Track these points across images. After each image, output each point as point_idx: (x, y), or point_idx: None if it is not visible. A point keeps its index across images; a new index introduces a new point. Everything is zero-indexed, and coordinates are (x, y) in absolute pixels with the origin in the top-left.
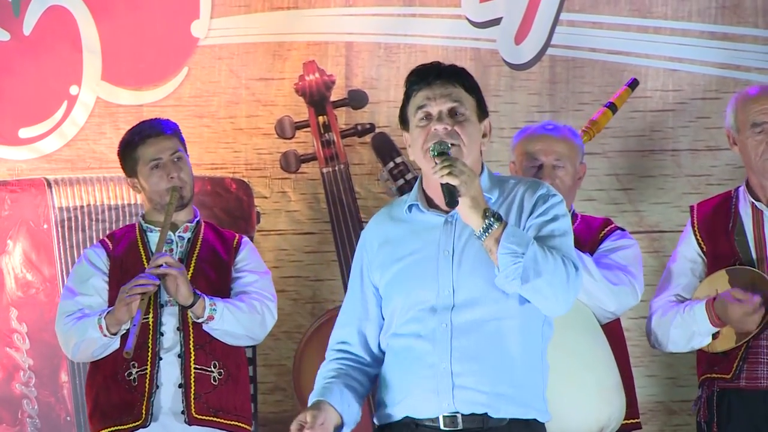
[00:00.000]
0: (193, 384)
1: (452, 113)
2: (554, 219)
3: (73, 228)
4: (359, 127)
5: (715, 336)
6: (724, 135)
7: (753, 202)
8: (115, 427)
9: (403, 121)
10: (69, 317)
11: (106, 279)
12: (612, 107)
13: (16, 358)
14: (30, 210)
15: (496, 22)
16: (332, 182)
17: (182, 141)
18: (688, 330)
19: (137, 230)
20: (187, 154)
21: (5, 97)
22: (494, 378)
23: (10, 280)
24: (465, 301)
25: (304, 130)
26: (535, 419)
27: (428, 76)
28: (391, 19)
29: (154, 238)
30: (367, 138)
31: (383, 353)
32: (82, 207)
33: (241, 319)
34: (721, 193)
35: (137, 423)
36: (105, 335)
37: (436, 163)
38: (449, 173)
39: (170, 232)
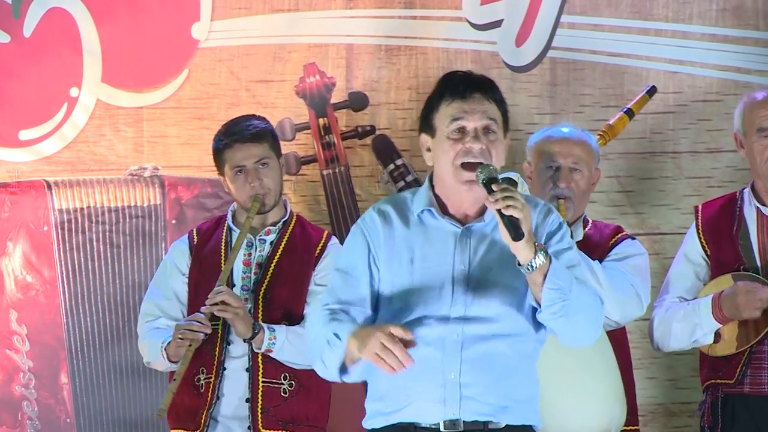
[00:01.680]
0: (260, 398)
1: (485, 131)
2: (570, 247)
3: (73, 230)
4: (360, 129)
5: (716, 339)
6: (725, 137)
7: (758, 207)
8: (181, 430)
9: (428, 125)
10: (148, 323)
11: (186, 280)
12: (629, 113)
13: (15, 359)
14: (30, 212)
15: (496, 24)
16: (332, 184)
17: (274, 144)
18: (691, 323)
19: (224, 228)
20: (280, 155)
21: (5, 99)
22: (500, 391)
23: (10, 282)
24: (477, 317)
25: (305, 132)
26: (531, 426)
27: (466, 87)
28: (392, 21)
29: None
30: (368, 140)
31: None
32: (82, 209)
33: (302, 350)
34: (726, 195)
35: (196, 431)
36: (166, 362)
37: (492, 190)
38: (512, 206)
39: (251, 236)
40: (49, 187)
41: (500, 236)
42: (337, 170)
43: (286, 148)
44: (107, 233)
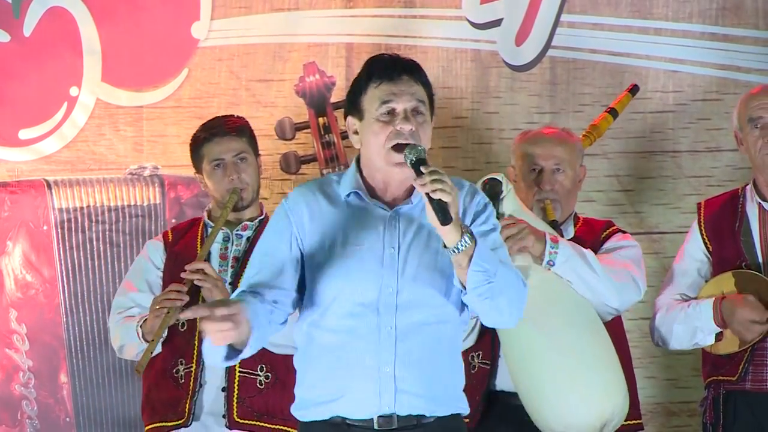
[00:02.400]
0: (236, 387)
1: (415, 113)
2: (494, 229)
3: (73, 229)
4: None
5: (718, 338)
6: (725, 136)
7: (760, 203)
8: (161, 423)
9: (355, 108)
10: (120, 314)
11: (161, 274)
12: (613, 112)
13: (15, 359)
14: (30, 211)
15: (496, 23)
16: None
17: (252, 140)
18: (691, 325)
19: (200, 225)
20: (258, 154)
21: (5, 98)
22: (431, 382)
23: (9, 281)
24: (408, 302)
25: (305, 131)
26: (459, 413)
27: (394, 69)
28: (392, 20)
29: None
30: None
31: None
32: (81, 208)
33: (286, 331)
34: (729, 192)
35: (180, 421)
36: (142, 342)
37: (421, 173)
38: (441, 190)
39: (227, 231)
40: (49, 186)
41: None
42: (336, 169)
43: (285, 147)
44: (107, 232)
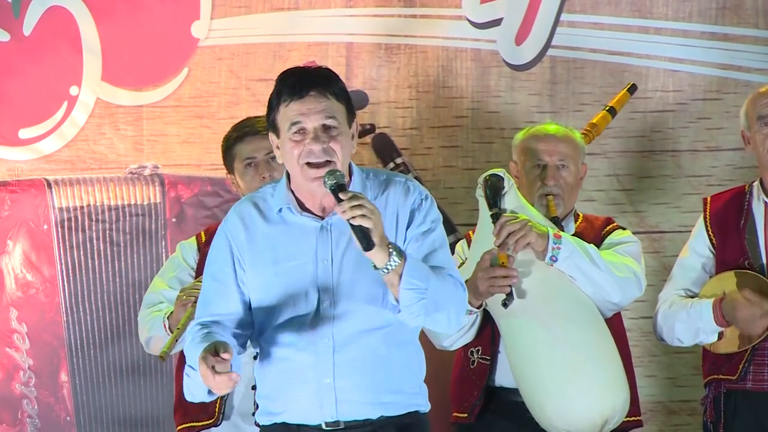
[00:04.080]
0: None
1: (326, 128)
2: (432, 229)
3: (73, 228)
4: (359, 128)
5: (719, 337)
6: (725, 136)
7: (766, 201)
8: (192, 424)
9: (273, 126)
10: (149, 309)
11: (193, 274)
12: (611, 111)
13: (15, 358)
14: (30, 210)
15: (496, 22)
16: None
17: None
18: (693, 326)
19: None
20: None
21: (5, 97)
22: (377, 389)
23: (10, 281)
24: (345, 313)
25: None
26: (416, 411)
27: (301, 86)
28: (392, 19)
29: None
30: (368, 138)
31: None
32: (82, 207)
33: None
34: (735, 188)
35: (210, 421)
36: (168, 334)
37: (341, 199)
38: (362, 215)
39: None
40: (49, 185)
41: None
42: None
43: None
44: (107, 231)
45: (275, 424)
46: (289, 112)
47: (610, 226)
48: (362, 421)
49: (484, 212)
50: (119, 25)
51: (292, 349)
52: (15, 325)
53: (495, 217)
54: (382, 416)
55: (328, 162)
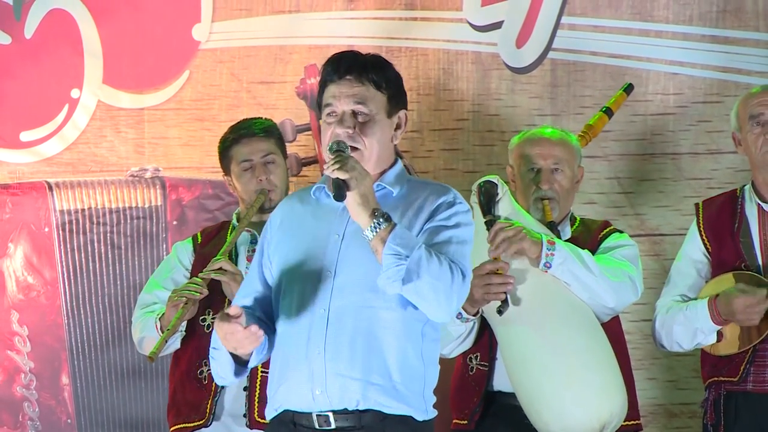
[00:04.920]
0: (258, 387)
1: (356, 114)
2: (456, 226)
3: (74, 231)
4: None
5: (719, 338)
6: (725, 139)
7: (759, 203)
8: (184, 425)
9: (319, 108)
10: (143, 309)
11: (188, 274)
12: (608, 112)
13: (17, 360)
14: (31, 213)
15: (497, 25)
16: None
17: (280, 142)
18: (691, 327)
19: (229, 228)
20: (286, 156)
21: (6, 100)
22: (366, 366)
23: (11, 283)
24: (343, 285)
25: (306, 133)
26: (411, 416)
27: (339, 69)
28: (393, 22)
29: (242, 237)
30: None
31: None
32: (83, 210)
33: None
34: (727, 192)
35: (201, 422)
36: (160, 333)
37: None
38: (339, 168)
39: (255, 233)
40: (50, 188)
41: None
42: None
43: (287, 149)
44: (108, 234)
45: (274, 420)
46: (327, 93)
47: (607, 229)
48: (352, 413)
49: (479, 219)
50: (120, 28)
51: (291, 324)
52: (16, 327)
53: (489, 224)
54: (369, 406)
55: (354, 149)
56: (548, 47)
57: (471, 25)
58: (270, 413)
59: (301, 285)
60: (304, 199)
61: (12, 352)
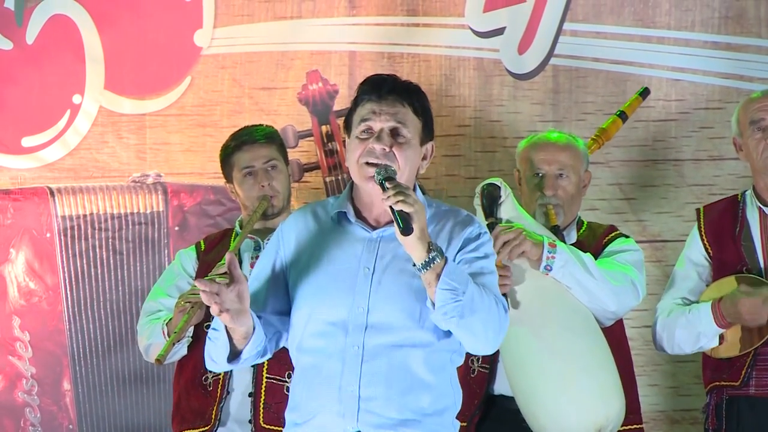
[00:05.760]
0: (263, 393)
1: (394, 133)
2: (485, 257)
3: (76, 237)
4: None
5: (720, 341)
6: (727, 145)
7: (760, 207)
8: (189, 431)
9: (347, 126)
10: (148, 317)
11: (191, 281)
12: (622, 116)
13: (18, 366)
14: (33, 218)
15: (499, 31)
16: (335, 191)
17: (282, 148)
18: (694, 331)
19: (232, 235)
20: (288, 162)
21: (8, 106)
22: (401, 404)
23: (12, 289)
24: (379, 323)
25: (308, 139)
26: None
27: (380, 88)
28: (395, 28)
29: (246, 244)
30: None
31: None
32: (84, 216)
33: None
34: (728, 197)
35: (206, 428)
36: (167, 339)
37: (386, 188)
38: (403, 201)
39: (259, 240)
40: (52, 193)
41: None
42: (339, 177)
43: (288, 155)
44: (110, 240)
45: None
46: (363, 110)
47: (612, 234)
48: None
49: (481, 222)
50: (122, 34)
51: (322, 356)
52: (18, 333)
53: (491, 227)
54: None
55: (388, 167)
56: (550, 53)
57: (473, 31)
58: None
59: (328, 317)
60: (320, 220)
61: (13, 358)
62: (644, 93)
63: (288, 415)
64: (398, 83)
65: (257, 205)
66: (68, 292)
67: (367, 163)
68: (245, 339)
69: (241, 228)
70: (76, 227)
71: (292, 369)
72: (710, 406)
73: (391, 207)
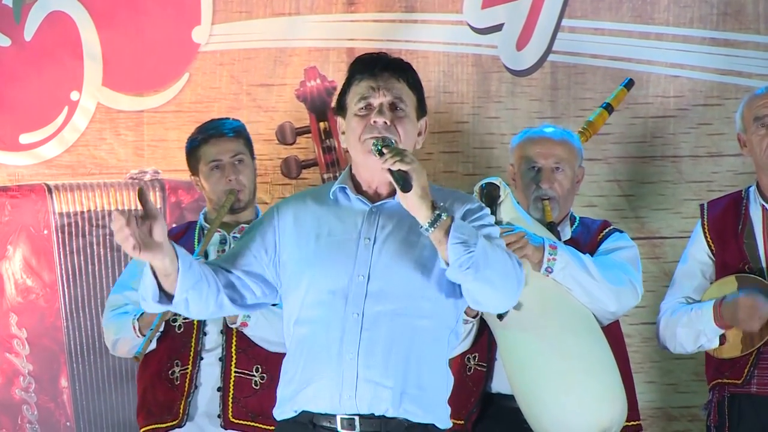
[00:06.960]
0: (232, 388)
1: (393, 107)
2: (489, 225)
3: (74, 233)
4: None
5: (721, 342)
6: (726, 141)
7: (763, 204)
8: (156, 425)
9: (340, 107)
10: (114, 311)
11: None
12: (608, 108)
13: (15, 363)
14: (30, 215)
15: (497, 28)
16: None
17: (248, 143)
18: (695, 329)
19: (196, 228)
20: (254, 156)
21: (6, 102)
22: (400, 374)
23: (10, 286)
24: (379, 291)
25: (305, 136)
26: (433, 424)
27: (374, 66)
28: (393, 25)
29: (212, 238)
30: None
31: (236, 297)
32: (82, 212)
33: (277, 327)
34: (732, 193)
35: (174, 422)
36: (138, 336)
37: (383, 154)
38: (400, 160)
39: (224, 233)
40: (50, 190)
41: (409, 214)
42: (337, 174)
43: (286, 152)
44: (107, 237)
45: (290, 420)
46: (359, 88)
47: (607, 230)
48: (378, 419)
49: None
50: (120, 30)
51: (319, 325)
52: (15, 330)
53: None
54: (397, 416)
55: (386, 137)
56: (548, 50)
57: (471, 27)
58: (285, 413)
59: (328, 286)
60: (319, 199)
61: (11, 355)
62: (629, 84)
63: (280, 390)
64: (391, 60)
65: (225, 199)
66: (65, 289)
67: (371, 139)
68: (168, 278)
69: (206, 221)
70: (73, 224)
71: (261, 363)
72: (712, 403)
73: (390, 170)
